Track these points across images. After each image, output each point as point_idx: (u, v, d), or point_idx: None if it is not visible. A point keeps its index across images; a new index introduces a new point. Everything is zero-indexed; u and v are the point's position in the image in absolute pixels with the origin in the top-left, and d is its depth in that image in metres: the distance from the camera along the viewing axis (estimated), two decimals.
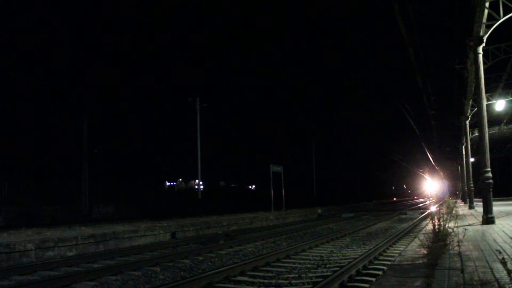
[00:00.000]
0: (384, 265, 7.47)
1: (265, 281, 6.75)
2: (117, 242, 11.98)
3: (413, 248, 7.06)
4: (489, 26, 10.19)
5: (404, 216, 24.56)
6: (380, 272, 6.81)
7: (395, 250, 9.64)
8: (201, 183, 31.27)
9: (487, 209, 10.08)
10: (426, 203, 47.13)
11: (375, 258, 8.36)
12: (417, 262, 5.62)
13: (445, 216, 7.22)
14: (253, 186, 66.75)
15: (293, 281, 6.64)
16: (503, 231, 8.22)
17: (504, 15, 10.09)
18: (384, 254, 9.07)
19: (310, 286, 6.24)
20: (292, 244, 11.46)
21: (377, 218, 22.72)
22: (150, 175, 47.95)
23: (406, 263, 5.65)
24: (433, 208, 25.61)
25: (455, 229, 6.97)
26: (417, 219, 19.99)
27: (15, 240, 9.76)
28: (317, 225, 18.67)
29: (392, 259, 7.84)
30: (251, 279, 6.92)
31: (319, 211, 29.99)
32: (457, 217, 11.79)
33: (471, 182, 20.90)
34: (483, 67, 10.72)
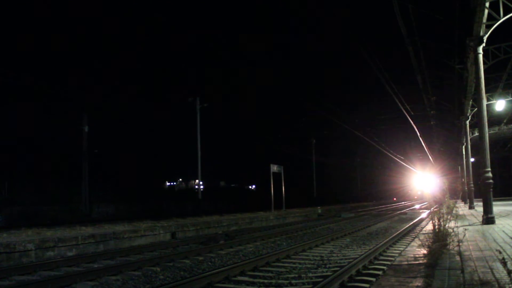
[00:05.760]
0: (384, 265, 7.47)
1: (265, 281, 6.76)
2: (117, 242, 11.98)
3: (413, 248, 7.07)
4: (489, 26, 10.20)
5: (404, 216, 24.57)
6: (380, 272, 6.82)
7: (395, 250, 9.65)
8: (201, 183, 31.29)
9: (487, 209, 10.08)
10: (425, 203, 47.13)
11: (375, 258, 8.37)
12: (417, 262, 5.62)
13: (445, 216, 7.21)
14: (253, 186, 66.75)
15: (293, 281, 6.64)
16: (503, 231, 8.22)
17: (504, 15, 10.10)
18: (384, 254, 9.08)
19: (310, 286, 6.24)
20: (292, 244, 11.46)
21: (377, 218, 22.73)
22: (150, 175, 47.94)
23: (406, 263, 5.65)
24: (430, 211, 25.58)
25: (455, 229, 6.97)
26: (417, 219, 19.99)
27: (15, 240, 9.76)
28: (317, 225, 18.67)
29: (392, 259, 7.84)
30: (251, 279, 6.92)
31: (319, 211, 30.00)
32: (457, 217, 11.79)
33: (471, 182, 20.90)
34: (483, 67, 10.72)
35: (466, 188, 22.76)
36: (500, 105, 19.10)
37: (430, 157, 46.46)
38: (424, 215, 23.09)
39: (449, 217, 7.37)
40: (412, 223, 17.36)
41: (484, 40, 10.25)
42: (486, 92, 15.17)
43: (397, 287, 4.22)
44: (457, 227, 7.38)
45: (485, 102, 10.46)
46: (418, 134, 30.64)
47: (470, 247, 6.26)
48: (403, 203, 58.59)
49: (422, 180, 59.05)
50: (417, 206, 41.35)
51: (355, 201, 57.15)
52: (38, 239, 9.97)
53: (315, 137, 49.47)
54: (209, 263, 8.76)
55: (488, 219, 10.00)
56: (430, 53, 17.16)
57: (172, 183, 72.83)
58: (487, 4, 9.79)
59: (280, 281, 6.67)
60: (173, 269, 8.15)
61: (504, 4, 10.13)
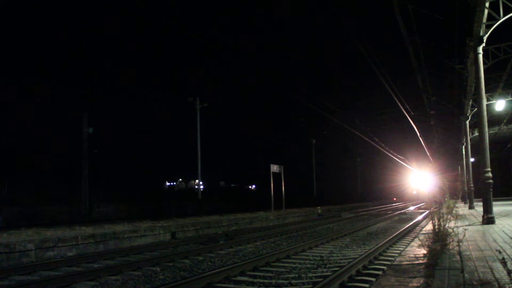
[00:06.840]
0: (384, 265, 7.48)
1: (265, 281, 6.76)
2: (117, 242, 11.98)
3: (413, 248, 7.06)
4: (489, 26, 10.19)
5: (404, 216, 24.56)
6: (380, 272, 6.82)
7: (395, 250, 9.65)
8: (201, 183, 31.27)
9: (487, 209, 10.08)
10: (423, 203, 47.07)
11: (375, 258, 8.37)
12: (417, 262, 5.61)
13: (445, 216, 7.21)
14: (253, 186, 66.76)
15: (293, 281, 6.64)
16: (503, 231, 8.22)
17: (504, 15, 10.08)
18: (384, 254, 9.08)
19: (310, 286, 6.24)
20: (292, 244, 11.46)
21: (377, 218, 22.72)
22: (150, 175, 47.97)
23: (406, 263, 5.65)
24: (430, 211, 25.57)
25: (455, 229, 6.97)
26: (417, 219, 19.99)
27: (15, 240, 9.76)
28: (317, 225, 18.67)
29: (392, 259, 7.85)
30: (251, 279, 6.92)
31: (319, 211, 29.99)
32: (457, 217, 11.78)
33: (471, 182, 20.89)
34: (483, 67, 10.71)
35: (466, 188, 22.76)
36: (500, 105, 19.06)
37: (430, 157, 46.46)
38: (424, 215, 23.09)
39: (449, 217, 7.36)
40: (412, 223, 17.37)
41: (484, 40, 10.24)
42: (486, 92, 15.16)
43: (397, 287, 4.21)
44: (457, 227, 7.37)
45: (485, 102, 10.46)
46: (418, 134, 30.63)
47: (470, 247, 6.26)
48: (403, 203, 58.55)
49: (421, 179, 59.01)
50: (417, 206, 41.33)
51: (355, 201, 57.11)
52: (38, 239, 9.97)
53: (315, 137, 49.46)
54: (209, 263, 8.76)
55: (488, 219, 9.99)
56: (430, 53, 17.13)
57: (172, 183, 72.86)
58: (487, 4, 9.78)
59: (280, 281, 6.67)
60: (173, 269, 8.15)
61: (504, 4, 10.12)
